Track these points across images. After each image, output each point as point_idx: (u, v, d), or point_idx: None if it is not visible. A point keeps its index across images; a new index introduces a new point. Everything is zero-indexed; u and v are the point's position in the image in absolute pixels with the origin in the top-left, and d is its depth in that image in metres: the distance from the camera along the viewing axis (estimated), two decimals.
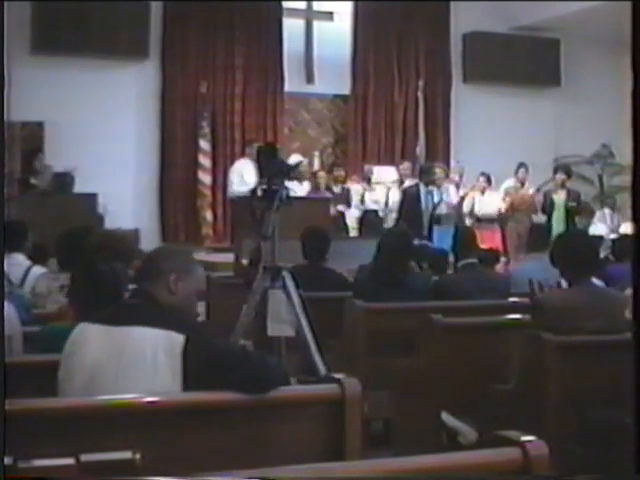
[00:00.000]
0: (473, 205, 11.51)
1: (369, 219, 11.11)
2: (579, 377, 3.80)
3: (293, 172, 4.88)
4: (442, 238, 9.21)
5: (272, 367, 2.73)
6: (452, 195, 11.23)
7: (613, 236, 9.97)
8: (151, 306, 2.74)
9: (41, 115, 11.11)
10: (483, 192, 11.55)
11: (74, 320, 3.35)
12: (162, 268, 2.80)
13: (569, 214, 11.06)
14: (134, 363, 2.58)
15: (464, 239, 5.98)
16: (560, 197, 11.21)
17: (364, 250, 7.42)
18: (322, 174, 11.42)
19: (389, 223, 10.80)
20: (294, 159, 10.59)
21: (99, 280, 3.37)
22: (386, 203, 11.31)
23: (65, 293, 3.77)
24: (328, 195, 10.78)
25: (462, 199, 11.54)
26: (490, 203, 11.53)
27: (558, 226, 10.47)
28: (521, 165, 11.79)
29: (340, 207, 10.99)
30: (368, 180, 11.62)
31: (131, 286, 3.97)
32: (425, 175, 10.62)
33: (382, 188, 11.53)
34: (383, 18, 13.20)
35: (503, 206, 11.50)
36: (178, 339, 2.59)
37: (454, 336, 4.45)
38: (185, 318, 2.76)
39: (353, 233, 11.09)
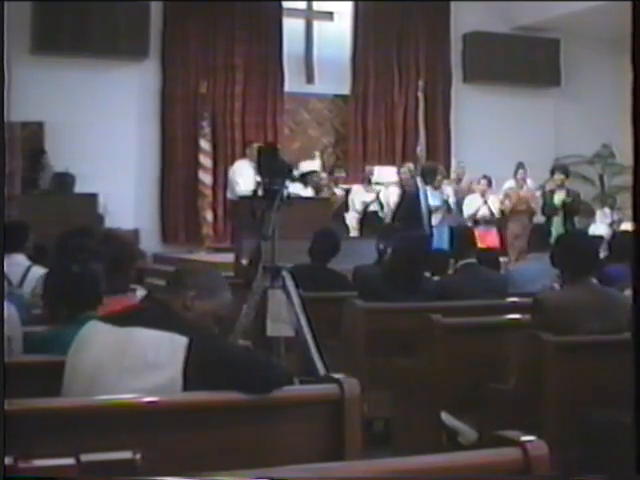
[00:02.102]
0: (475, 207, 11.50)
1: (369, 219, 11.10)
2: (579, 377, 3.80)
3: (306, 177, 4.88)
4: (439, 240, 9.24)
5: (275, 367, 2.74)
6: (450, 196, 11.22)
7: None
8: (159, 310, 2.74)
9: (41, 115, 11.12)
10: (483, 195, 11.56)
11: (52, 324, 3.34)
12: (184, 283, 2.80)
13: (567, 214, 11.05)
14: (136, 363, 2.58)
15: (461, 239, 5.98)
16: (559, 197, 11.21)
17: (362, 250, 7.44)
18: (323, 175, 11.41)
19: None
20: (307, 166, 10.61)
21: (74, 282, 3.33)
22: (381, 204, 11.27)
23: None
24: (330, 196, 10.78)
25: (461, 200, 11.54)
26: (490, 205, 11.53)
27: (557, 226, 10.47)
28: (520, 166, 11.80)
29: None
30: (369, 181, 11.60)
31: (132, 286, 3.99)
32: (425, 175, 10.61)
33: (382, 189, 11.52)
34: (383, 18, 13.21)
35: (502, 207, 11.52)
36: (181, 341, 2.59)
37: (454, 336, 4.45)
38: (189, 321, 2.75)
39: (353, 233, 11.08)
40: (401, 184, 11.32)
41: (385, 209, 11.24)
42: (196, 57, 12.35)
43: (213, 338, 2.74)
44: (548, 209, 11.21)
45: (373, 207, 11.29)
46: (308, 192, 10.19)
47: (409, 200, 10.45)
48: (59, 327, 3.26)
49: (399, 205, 10.56)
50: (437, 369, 4.44)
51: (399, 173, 11.59)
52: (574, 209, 11.26)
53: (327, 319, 4.98)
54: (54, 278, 3.50)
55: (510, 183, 11.75)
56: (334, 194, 11.07)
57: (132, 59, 11.90)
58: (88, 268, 3.40)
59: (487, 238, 10.96)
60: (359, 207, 11.25)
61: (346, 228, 10.91)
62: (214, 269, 3.27)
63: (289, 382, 2.73)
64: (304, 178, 9.76)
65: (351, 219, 11.20)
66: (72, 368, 2.72)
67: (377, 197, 11.29)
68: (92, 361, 2.66)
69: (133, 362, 2.59)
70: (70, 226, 5.47)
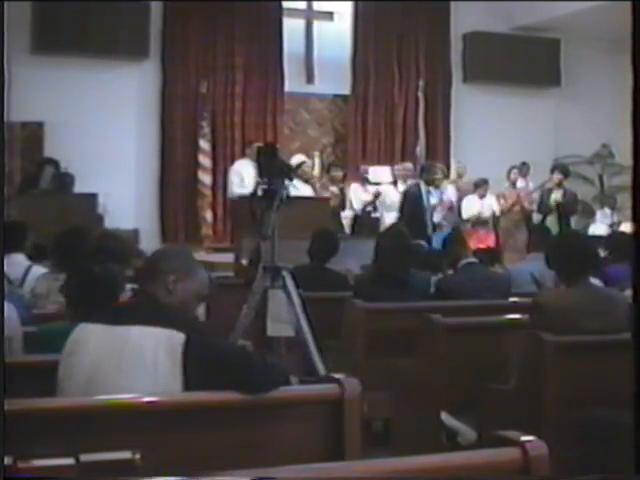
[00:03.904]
0: (474, 210, 11.51)
1: (363, 219, 11.07)
2: (578, 377, 3.80)
3: (294, 172, 4.89)
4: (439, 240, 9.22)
5: (272, 367, 2.74)
6: (451, 195, 11.21)
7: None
8: (151, 306, 2.75)
9: (41, 115, 11.11)
10: (482, 197, 11.59)
11: (71, 321, 3.36)
12: (161, 268, 2.82)
13: (561, 214, 11.06)
14: (134, 362, 2.58)
15: (453, 242, 5.99)
16: (556, 197, 11.22)
17: (361, 250, 7.44)
18: (319, 174, 11.39)
19: (384, 223, 10.70)
20: (297, 159, 10.58)
21: (95, 282, 3.42)
22: (375, 205, 11.23)
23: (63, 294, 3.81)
24: (326, 195, 10.75)
25: (460, 201, 11.55)
26: (486, 206, 11.57)
27: (552, 226, 10.47)
28: (514, 167, 11.84)
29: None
30: (364, 180, 11.56)
31: (129, 286, 3.99)
32: (426, 174, 10.60)
33: (379, 188, 11.47)
34: (383, 18, 13.20)
35: (497, 207, 11.57)
36: (179, 338, 2.59)
37: (454, 336, 4.46)
38: (186, 317, 2.76)
39: (348, 232, 11.03)
40: (395, 183, 11.27)
41: (380, 209, 11.19)
42: (196, 57, 12.34)
43: (209, 335, 2.74)
44: (544, 207, 11.23)
45: (368, 207, 11.23)
46: (308, 189, 10.16)
47: (410, 199, 10.43)
48: (72, 323, 3.27)
49: (402, 205, 10.54)
50: (437, 369, 4.44)
51: (394, 171, 11.53)
52: (569, 209, 11.26)
53: (327, 319, 4.98)
54: (76, 278, 3.55)
55: (506, 183, 11.82)
56: (332, 193, 11.04)
57: (132, 59, 11.90)
58: (108, 269, 3.49)
59: (488, 239, 10.97)
60: (358, 206, 11.21)
61: (341, 226, 10.86)
62: (185, 250, 3.30)
63: (286, 382, 2.73)
64: (296, 171, 9.70)
65: (347, 217, 11.15)
66: (67, 371, 2.70)
67: (376, 198, 11.22)
68: (89, 363, 2.65)
69: (131, 362, 2.58)
70: (70, 226, 5.46)
